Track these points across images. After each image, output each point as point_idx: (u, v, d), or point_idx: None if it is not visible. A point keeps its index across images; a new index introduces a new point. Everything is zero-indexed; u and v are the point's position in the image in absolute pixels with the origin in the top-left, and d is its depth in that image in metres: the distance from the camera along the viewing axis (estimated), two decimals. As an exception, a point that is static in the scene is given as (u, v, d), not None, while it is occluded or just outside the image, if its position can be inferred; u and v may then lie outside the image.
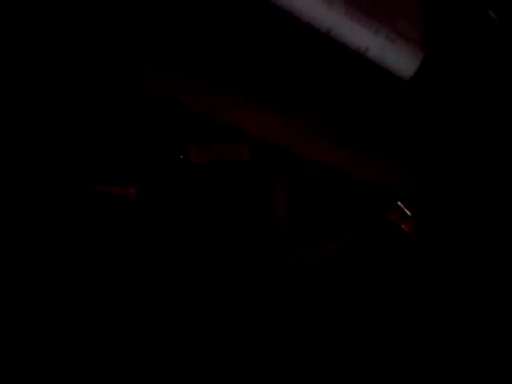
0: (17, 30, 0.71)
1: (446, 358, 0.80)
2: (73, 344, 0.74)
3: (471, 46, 0.87)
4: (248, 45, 0.83)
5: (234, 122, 0.83)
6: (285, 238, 0.82)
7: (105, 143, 0.80)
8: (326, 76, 0.85)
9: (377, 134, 0.86)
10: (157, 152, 0.82)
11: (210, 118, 0.82)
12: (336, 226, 0.83)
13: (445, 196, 0.85)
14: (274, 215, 0.83)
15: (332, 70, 0.85)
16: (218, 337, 0.78)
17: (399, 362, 0.80)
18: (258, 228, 0.82)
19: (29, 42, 0.72)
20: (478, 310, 0.81)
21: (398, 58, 0.83)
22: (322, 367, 0.78)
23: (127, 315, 0.77)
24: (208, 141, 0.83)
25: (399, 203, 0.83)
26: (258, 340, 0.78)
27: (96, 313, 0.76)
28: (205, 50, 0.82)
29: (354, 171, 0.85)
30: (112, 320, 0.76)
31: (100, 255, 0.78)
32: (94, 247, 0.78)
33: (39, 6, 0.70)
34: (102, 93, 0.80)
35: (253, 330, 0.78)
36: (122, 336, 0.76)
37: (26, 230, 0.76)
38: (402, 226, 0.82)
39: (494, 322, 0.81)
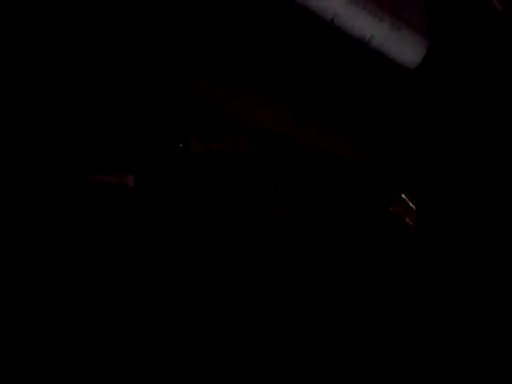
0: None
1: (447, 355, 0.79)
2: (67, 339, 0.72)
3: (476, 37, 0.86)
4: (251, 34, 0.81)
5: (235, 112, 0.82)
6: (285, 230, 0.80)
7: (101, 130, 0.78)
8: (330, 66, 0.84)
9: (380, 126, 0.84)
10: (155, 140, 0.80)
11: (210, 108, 0.81)
12: (338, 219, 0.81)
13: (449, 189, 0.83)
14: (275, 206, 0.81)
15: (336, 59, 0.83)
16: (218, 330, 0.76)
17: (400, 358, 0.78)
18: (258, 219, 0.80)
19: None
20: (482, 306, 0.80)
21: (404, 47, 0.82)
22: (324, 361, 0.76)
23: (125, 308, 0.75)
24: (208, 130, 0.81)
25: (403, 196, 0.81)
26: (259, 332, 0.76)
27: (92, 306, 0.74)
28: (207, 38, 0.80)
29: (354, 162, 0.84)
30: (109, 314, 0.74)
31: (95, 248, 0.76)
32: (88, 239, 0.76)
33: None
34: (99, 80, 0.78)
35: (254, 322, 0.76)
36: (120, 331, 0.74)
37: (19, 220, 0.74)
38: (407, 219, 0.81)
39: (496, 318, 0.80)
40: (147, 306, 0.75)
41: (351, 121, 0.84)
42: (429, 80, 0.84)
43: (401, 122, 0.84)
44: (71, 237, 0.75)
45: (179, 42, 0.80)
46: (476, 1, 0.88)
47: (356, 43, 0.82)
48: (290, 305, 0.78)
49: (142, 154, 0.79)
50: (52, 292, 0.73)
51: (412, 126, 0.84)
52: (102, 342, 0.73)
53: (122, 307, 0.74)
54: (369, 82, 0.84)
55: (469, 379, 0.78)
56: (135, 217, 0.77)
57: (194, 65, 0.81)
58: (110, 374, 0.72)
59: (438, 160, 0.84)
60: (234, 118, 0.81)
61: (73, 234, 0.75)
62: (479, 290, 0.80)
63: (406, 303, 0.79)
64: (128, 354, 0.73)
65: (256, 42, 0.82)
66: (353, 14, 0.81)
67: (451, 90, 0.85)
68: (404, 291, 0.79)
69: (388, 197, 0.82)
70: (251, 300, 0.77)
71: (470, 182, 0.83)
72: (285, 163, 0.82)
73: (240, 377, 0.75)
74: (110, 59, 0.79)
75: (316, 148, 0.82)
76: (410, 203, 0.81)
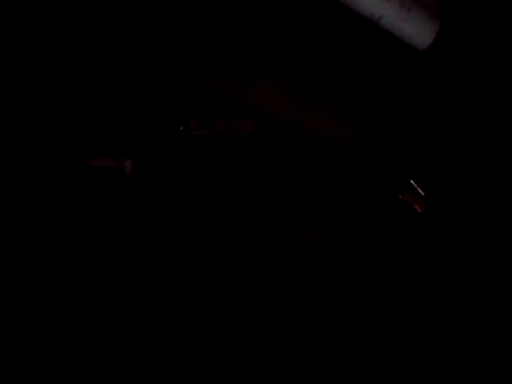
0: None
1: (452, 343, 0.77)
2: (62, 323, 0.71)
3: (488, 17, 0.83)
4: (258, 13, 0.79)
5: (239, 93, 0.79)
6: (291, 217, 0.77)
7: (98, 111, 0.76)
8: (337, 45, 0.81)
9: (388, 110, 0.82)
10: (154, 122, 0.77)
11: (211, 88, 0.78)
12: (346, 205, 0.79)
13: (459, 175, 0.81)
14: (280, 192, 0.78)
15: (343, 38, 0.80)
16: (223, 319, 0.74)
17: (408, 349, 0.76)
18: (262, 206, 0.77)
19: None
20: (492, 293, 0.78)
21: (414, 27, 0.79)
22: (331, 352, 0.75)
23: (123, 297, 0.73)
24: (210, 113, 0.78)
25: (412, 182, 0.79)
26: (264, 322, 0.74)
27: (89, 294, 0.73)
28: (211, 20, 0.78)
29: (360, 144, 0.81)
30: (106, 302, 0.73)
31: (91, 233, 0.74)
32: (84, 224, 0.74)
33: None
34: (98, 64, 0.76)
35: (258, 311, 0.75)
36: (118, 320, 0.73)
37: (16, 203, 0.73)
38: (415, 206, 0.78)
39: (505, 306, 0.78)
40: (146, 292, 0.73)
41: (358, 103, 0.81)
42: (439, 61, 0.81)
43: (410, 105, 0.81)
44: (67, 221, 0.73)
45: (180, 25, 0.78)
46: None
47: (364, 22, 0.79)
48: (295, 294, 0.76)
49: (140, 136, 0.76)
50: (49, 275, 0.72)
51: (422, 109, 0.82)
52: (97, 326, 0.72)
53: (120, 293, 0.73)
54: (378, 63, 0.81)
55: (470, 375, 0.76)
56: (133, 203, 0.75)
57: (197, 46, 0.78)
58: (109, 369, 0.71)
59: (448, 145, 0.81)
60: (237, 101, 0.78)
61: (69, 218, 0.73)
62: (488, 278, 0.78)
63: (414, 293, 0.77)
64: (122, 341, 0.72)
65: (263, 22, 0.79)
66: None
67: (462, 71, 0.82)
68: (411, 281, 0.77)
69: (397, 183, 0.79)
70: (255, 288, 0.75)
71: (480, 167, 0.81)
72: (290, 148, 0.79)
73: (243, 369, 0.73)
74: (109, 45, 0.76)
75: (321, 132, 0.80)
76: (420, 190, 0.78)
